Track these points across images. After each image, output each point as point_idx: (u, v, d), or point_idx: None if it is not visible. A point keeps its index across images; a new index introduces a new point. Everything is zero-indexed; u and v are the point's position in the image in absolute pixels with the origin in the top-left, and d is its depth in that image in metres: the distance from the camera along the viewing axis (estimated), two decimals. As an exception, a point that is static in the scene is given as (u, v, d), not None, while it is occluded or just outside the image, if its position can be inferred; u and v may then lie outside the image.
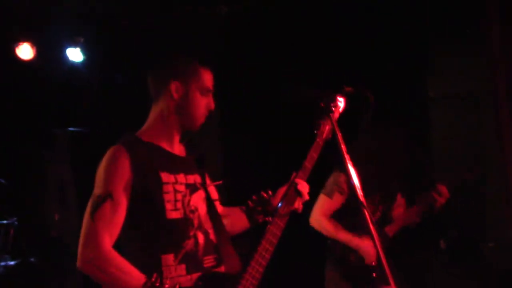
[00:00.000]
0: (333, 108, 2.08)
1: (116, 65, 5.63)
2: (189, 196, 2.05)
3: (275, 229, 2.05)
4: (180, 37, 5.14)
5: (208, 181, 2.25)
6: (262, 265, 2.00)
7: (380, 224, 3.25)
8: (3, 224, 4.40)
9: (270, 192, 2.21)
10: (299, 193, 2.11)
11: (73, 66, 5.76)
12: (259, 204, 2.20)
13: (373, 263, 3.10)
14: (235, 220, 2.26)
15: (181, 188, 2.03)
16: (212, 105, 2.15)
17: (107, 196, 1.88)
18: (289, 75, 4.31)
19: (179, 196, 2.01)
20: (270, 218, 2.09)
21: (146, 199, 1.95)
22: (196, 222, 2.04)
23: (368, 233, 1.70)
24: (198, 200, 2.09)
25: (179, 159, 2.13)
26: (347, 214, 3.23)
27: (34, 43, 5.58)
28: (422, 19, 4.39)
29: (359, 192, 1.81)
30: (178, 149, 2.17)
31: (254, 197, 2.23)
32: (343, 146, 1.89)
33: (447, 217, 4.44)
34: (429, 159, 4.53)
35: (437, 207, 3.21)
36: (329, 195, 3.24)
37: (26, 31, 5.54)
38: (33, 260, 4.39)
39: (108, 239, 1.85)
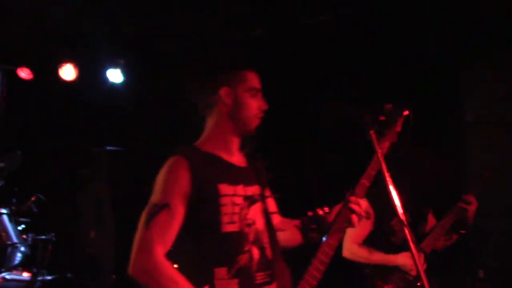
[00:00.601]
0: (392, 124, 2.05)
1: (154, 86, 5.77)
2: (246, 209, 2.03)
3: (327, 248, 2.01)
4: (217, 58, 5.23)
5: (267, 192, 2.21)
6: (312, 285, 1.96)
7: (416, 242, 3.21)
8: (42, 239, 4.49)
9: (326, 209, 2.15)
10: (353, 211, 2.05)
11: (113, 86, 5.92)
12: (313, 222, 2.15)
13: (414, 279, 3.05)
14: (291, 235, 2.22)
15: (239, 200, 2.01)
16: (264, 105, 2.13)
17: (164, 205, 1.88)
18: (327, 95, 4.35)
19: (236, 209, 1.99)
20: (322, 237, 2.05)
21: (202, 211, 1.94)
22: (252, 236, 2.01)
23: (406, 250, 1.68)
24: (256, 213, 2.06)
25: (238, 169, 2.10)
26: (377, 237, 3.20)
27: (77, 64, 5.78)
28: (461, 44, 4.38)
29: (400, 210, 1.80)
30: (237, 159, 2.14)
31: (309, 213, 2.18)
32: (383, 164, 1.87)
33: (485, 247, 4.36)
34: (464, 183, 4.46)
35: (467, 217, 3.15)
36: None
37: (70, 53, 5.75)
38: (69, 276, 4.46)
39: (161, 249, 1.84)
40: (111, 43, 5.55)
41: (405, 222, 1.74)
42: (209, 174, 1.97)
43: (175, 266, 1.86)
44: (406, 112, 2.00)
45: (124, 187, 5.41)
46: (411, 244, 1.70)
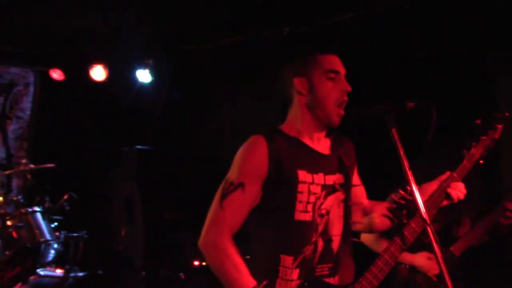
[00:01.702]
0: (491, 131, 1.99)
1: (182, 86, 5.83)
2: (323, 199, 1.96)
3: (408, 234, 1.95)
4: (244, 58, 5.26)
5: (355, 179, 2.15)
6: (377, 277, 1.91)
7: (445, 243, 3.17)
8: (74, 236, 4.59)
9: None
10: (449, 197, 1.99)
11: (141, 86, 6.01)
12: (402, 205, 2.04)
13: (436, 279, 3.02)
14: (379, 219, 2.14)
15: (317, 189, 1.94)
16: (347, 86, 2.00)
17: (239, 184, 1.88)
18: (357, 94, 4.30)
19: (312, 198, 1.92)
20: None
21: (278, 194, 1.90)
22: (321, 227, 1.95)
23: (430, 251, 1.67)
24: (332, 203, 1.98)
25: (321, 157, 2.00)
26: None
27: (107, 65, 5.88)
28: (492, 50, 4.29)
29: (423, 210, 1.78)
30: (321, 146, 2.04)
31: (393, 196, 2.07)
32: (405, 162, 1.84)
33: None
34: (498, 188, 4.37)
35: (504, 224, 3.09)
36: None
37: (100, 54, 5.86)
38: (100, 273, 4.54)
39: (231, 228, 1.88)
40: (140, 44, 5.63)
41: (428, 221, 1.73)
42: (289, 158, 1.92)
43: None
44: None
45: (153, 185, 5.49)
46: (434, 244, 1.69)
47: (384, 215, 2.12)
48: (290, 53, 2.07)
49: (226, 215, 1.88)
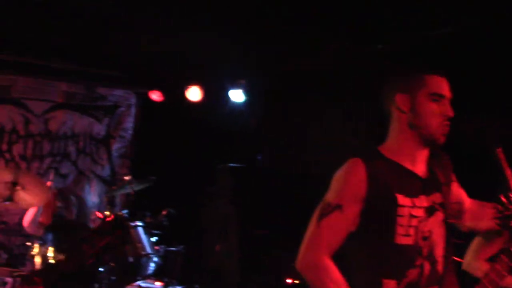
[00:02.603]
0: None
1: (275, 105, 5.91)
2: (425, 221, 1.92)
3: None
4: (338, 76, 5.25)
5: (454, 186, 2.10)
6: None
7: None
8: (172, 251, 4.76)
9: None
10: None
11: (235, 106, 6.16)
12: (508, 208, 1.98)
13: None
14: (484, 222, 2.11)
15: (419, 212, 1.91)
16: (449, 112, 1.95)
17: (337, 206, 1.89)
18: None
19: (414, 222, 1.90)
20: None
21: (377, 218, 1.90)
22: (425, 250, 1.91)
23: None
24: (434, 224, 1.94)
25: (420, 180, 1.97)
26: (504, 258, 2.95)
27: (202, 86, 6.10)
28: None
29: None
30: (421, 168, 2.00)
31: (502, 198, 2.00)
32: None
33: None
34: None
35: None
36: (486, 237, 2.92)
37: (196, 75, 6.09)
38: (196, 287, 4.67)
39: (329, 249, 1.89)
40: (233, 65, 5.79)
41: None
42: (387, 182, 1.91)
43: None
44: None
45: (247, 203, 5.59)
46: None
47: (491, 216, 2.07)
48: (394, 68, 2.04)
49: (323, 235, 1.89)
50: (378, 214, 1.89)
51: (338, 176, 1.96)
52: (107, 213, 4.45)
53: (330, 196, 1.94)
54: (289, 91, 5.84)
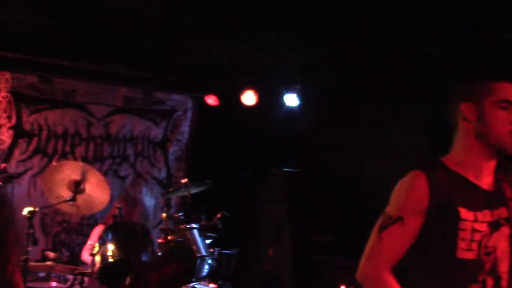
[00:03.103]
0: None
1: (329, 110, 5.88)
2: (489, 236, 1.87)
3: None
4: (394, 80, 5.18)
5: None
6: None
7: None
8: (226, 254, 4.81)
9: None
10: None
11: (289, 110, 6.18)
12: None
13: None
14: None
15: (482, 227, 1.87)
16: None
17: (398, 219, 1.88)
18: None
19: (477, 236, 1.86)
20: None
21: (438, 231, 1.87)
22: (488, 266, 1.86)
23: None
24: (498, 239, 1.89)
25: (485, 194, 1.91)
26: None
27: (257, 90, 6.15)
28: None
29: None
30: (487, 181, 1.94)
31: None
32: None
33: None
34: None
35: None
36: None
37: (250, 80, 6.15)
38: (250, 290, 4.70)
39: (389, 261, 1.88)
40: (288, 69, 5.81)
41: None
42: (450, 195, 1.87)
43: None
44: None
45: (301, 207, 5.58)
46: None
47: None
48: (457, 75, 1.98)
49: (384, 247, 1.88)
50: (439, 228, 1.86)
51: (399, 188, 1.94)
52: (164, 215, 4.57)
53: (391, 208, 1.92)
54: (343, 95, 5.80)
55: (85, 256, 4.76)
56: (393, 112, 5.34)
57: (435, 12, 4.17)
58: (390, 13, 4.30)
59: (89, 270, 4.26)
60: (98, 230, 4.82)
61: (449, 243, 1.85)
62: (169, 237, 4.56)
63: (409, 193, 1.90)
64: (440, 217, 1.86)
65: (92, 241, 4.64)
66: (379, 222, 1.92)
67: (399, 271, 1.92)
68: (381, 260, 1.87)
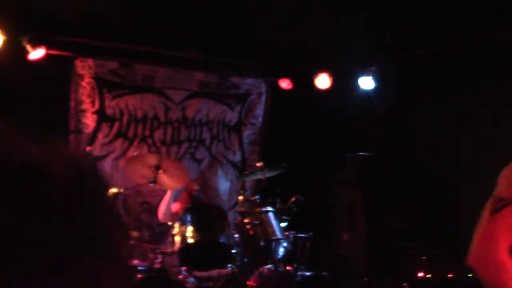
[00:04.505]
0: None
1: (405, 92, 5.73)
2: None
3: None
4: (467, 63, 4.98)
5: None
6: None
7: None
8: (301, 237, 4.84)
9: None
10: None
11: (364, 93, 6.07)
12: None
13: None
14: None
15: None
16: None
17: (511, 200, 1.84)
18: None
19: None
20: None
21: None
22: None
23: None
24: None
25: None
26: None
27: (331, 73, 6.09)
28: None
29: None
30: None
31: None
32: None
33: None
34: None
35: None
36: None
37: (325, 63, 6.09)
38: (325, 274, 4.70)
39: (505, 245, 1.82)
40: (363, 51, 5.70)
41: None
42: None
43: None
44: None
45: (376, 192, 5.51)
46: None
47: None
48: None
49: (499, 230, 1.80)
50: None
51: (509, 171, 1.87)
52: (240, 197, 4.66)
53: (503, 191, 1.85)
54: (420, 78, 5.63)
55: (162, 212, 5.10)
56: (479, 94, 5.14)
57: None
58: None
59: (169, 250, 4.43)
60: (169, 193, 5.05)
61: None
62: (245, 220, 4.66)
63: None
64: None
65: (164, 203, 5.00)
66: (488, 205, 1.85)
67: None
68: (499, 243, 1.80)
